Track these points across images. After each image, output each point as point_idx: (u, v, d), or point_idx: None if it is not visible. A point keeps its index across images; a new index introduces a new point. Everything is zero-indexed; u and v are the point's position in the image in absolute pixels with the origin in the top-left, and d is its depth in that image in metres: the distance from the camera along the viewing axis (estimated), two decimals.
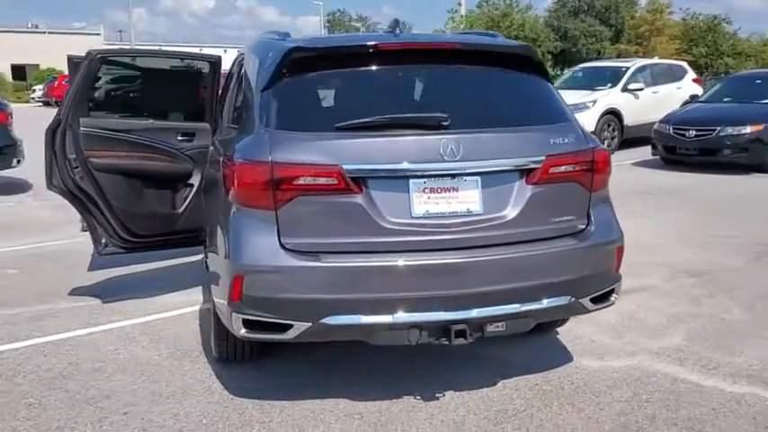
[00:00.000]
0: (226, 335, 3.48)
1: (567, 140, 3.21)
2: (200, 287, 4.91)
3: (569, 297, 3.16)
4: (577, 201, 3.24)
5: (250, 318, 3.00)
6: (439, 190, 3.02)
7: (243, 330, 3.04)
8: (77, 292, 5.01)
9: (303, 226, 2.95)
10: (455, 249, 3.01)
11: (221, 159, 3.36)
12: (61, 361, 3.84)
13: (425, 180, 3.00)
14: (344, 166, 2.91)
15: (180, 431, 3.08)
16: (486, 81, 3.41)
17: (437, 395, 3.34)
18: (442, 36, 3.86)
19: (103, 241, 4.46)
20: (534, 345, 3.90)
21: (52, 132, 4.29)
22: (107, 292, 4.92)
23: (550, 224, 3.18)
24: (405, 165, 2.98)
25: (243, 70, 3.83)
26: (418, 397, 3.32)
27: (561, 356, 3.79)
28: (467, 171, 3.03)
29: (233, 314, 3.02)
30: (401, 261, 2.94)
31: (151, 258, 5.35)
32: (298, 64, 3.18)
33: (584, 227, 3.26)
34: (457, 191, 3.03)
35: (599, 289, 3.28)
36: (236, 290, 2.97)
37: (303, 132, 3.03)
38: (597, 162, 3.26)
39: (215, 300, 3.40)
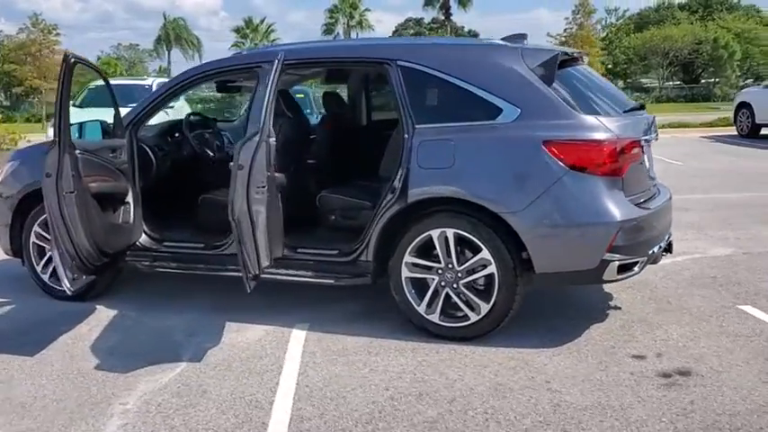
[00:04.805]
0: (511, 305, 3.91)
1: None
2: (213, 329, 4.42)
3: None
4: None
5: (621, 263, 3.79)
6: (642, 153, 4.23)
7: (618, 275, 3.83)
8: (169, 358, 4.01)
9: (631, 184, 3.93)
10: (657, 193, 4.38)
11: (537, 143, 3.76)
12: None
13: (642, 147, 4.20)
14: (640, 139, 4.05)
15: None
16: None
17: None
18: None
19: (250, 275, 3.90)
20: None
21: (241, 146, 3.73)
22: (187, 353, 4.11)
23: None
24: (649, 135, 4.24)
25: (451, 70, 4.09)
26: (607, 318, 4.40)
27: None
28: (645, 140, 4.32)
29: (609, 264, 3.74)
30: (659, 202, 4.21)
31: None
32: (561, 65, 4.07)
33: None
34: (643, 154, 4.30)
35: None
36: (611, 243, 3.70)
37: (614, 117, 4.01)
38: None
39: (542, 267, 3.80)
